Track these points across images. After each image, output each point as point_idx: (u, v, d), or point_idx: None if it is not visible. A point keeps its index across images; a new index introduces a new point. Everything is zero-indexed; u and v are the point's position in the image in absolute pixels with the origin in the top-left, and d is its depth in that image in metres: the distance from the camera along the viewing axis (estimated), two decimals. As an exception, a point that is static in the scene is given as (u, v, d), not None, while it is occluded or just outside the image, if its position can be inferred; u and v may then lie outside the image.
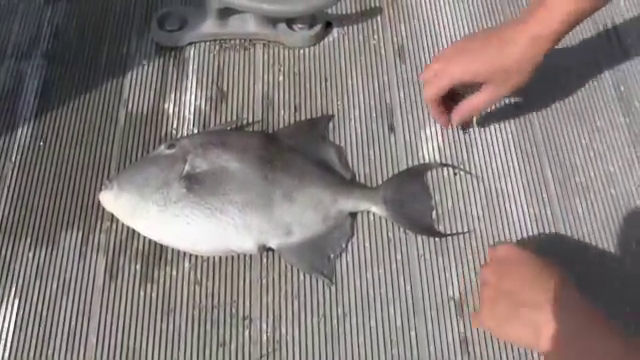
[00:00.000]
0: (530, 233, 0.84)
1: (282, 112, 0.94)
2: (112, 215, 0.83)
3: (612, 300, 0.78)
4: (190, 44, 1.00)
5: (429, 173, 0.88)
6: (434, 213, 0.85)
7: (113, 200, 0.82)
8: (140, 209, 0.80)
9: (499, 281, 0.71)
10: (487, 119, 0.92)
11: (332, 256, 0.82)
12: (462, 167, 0.89)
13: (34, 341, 0.76)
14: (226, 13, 0.98)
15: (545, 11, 0.78)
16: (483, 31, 0.90)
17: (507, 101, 0.94)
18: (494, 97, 0.85)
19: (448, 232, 0.84)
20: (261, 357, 0.76)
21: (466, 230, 0.84)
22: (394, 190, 0.86)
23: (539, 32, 0.79)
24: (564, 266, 0.75)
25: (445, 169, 0.89)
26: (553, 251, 0.82)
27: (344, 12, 1.04)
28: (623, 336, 0.65)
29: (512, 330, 0.69)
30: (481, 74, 0.82)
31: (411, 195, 0.86)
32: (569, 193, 0.87)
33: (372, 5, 1.05)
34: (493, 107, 0.92)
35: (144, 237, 0.82)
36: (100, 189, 0.84)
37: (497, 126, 0.92)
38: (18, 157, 0.89)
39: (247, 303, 0.79)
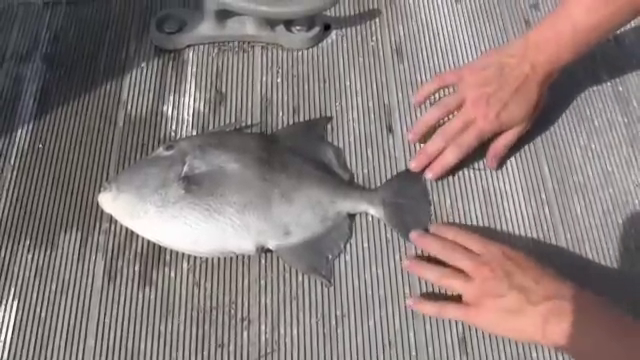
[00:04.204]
0: (528, 232, 0.84)
1: (281, 114, 0.94)
2: (111, 216, 0.83)
3: (610, 299, 0.78)
4: (189, 47, 1.00)
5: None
6: (432, 213, 0.85)
7: (111, 201, 0.82)
8: (138, 210, 0.80)
9: (508, 276, 0.73)
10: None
11: (330, 257, 0.82)
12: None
13: (33, 342, 0.76)
14: (224, 15, 0.99)
15: (554, 44, 0.84)
16: (494, 68, 0.88)
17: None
18: (520, 134, 0.88)
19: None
20: (259, 358, 0.76)
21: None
22: (393, 193, 0.86)
23: (551, 69, 0.85)
24: (561, 265, 0.76)
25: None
26: (550, 250, 0.82)
27: (342, 14, 1.04)
28: (631, 330, 0.69)
29: (518, 323, 0.72)
30: (505, 123, 0.86)
31: (410, 199, 0.86)
32: (567, 192, 0.87)
33: (370, 7, 1.05)
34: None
35: (143, 238, 0.82)
36: (99, 191, 0.84)
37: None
38: (17, 160, 0.89)
39: (245, 304, 0.79)
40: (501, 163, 0.89)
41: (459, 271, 0.77)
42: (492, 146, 0.88)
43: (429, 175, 0.86)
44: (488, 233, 0.83)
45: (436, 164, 0.86)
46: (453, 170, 0.87)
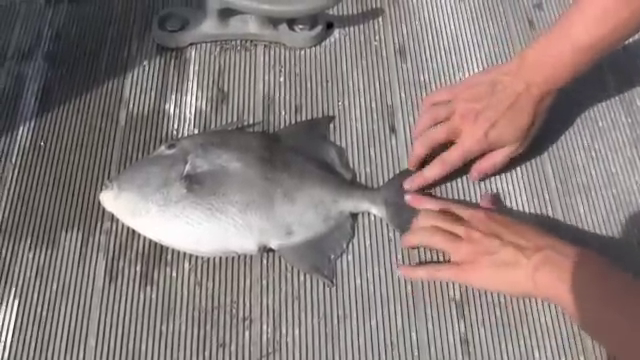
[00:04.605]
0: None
1: (283, 113, 0.94)
2: (112, 216, 0.83)
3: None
4: (191, 45, 1.00)
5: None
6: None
7: (113, 200, 0.81)
8: (140, 209, 0.80)
9: (498, 236, 0.76)
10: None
11: (333, 256, 0.81)
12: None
13: (34, 343, 0.76)
14: (227, 14, 0.98)
15: (552, 64, 0.81)
16: (487, 85, 0.86)
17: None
18: (511, 156, 0.86)
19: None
20: (261, 358, 0.75)
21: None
22: (395, 192, 0.85)
23: (548, 89, 0.82)
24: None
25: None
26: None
27: (345, 13, 1.04)
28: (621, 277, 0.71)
29: (512, 276, 0.74)
30: (494, 143, 0.84)
31: None
32: (570, 193, 0.87)
33: (373, 6, 1.05)
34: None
35: (144, 238, 0.82)
36: (100, 189, 0.84)
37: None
38: (18, 158, 0.89)
39: (247, 304, 0.79)
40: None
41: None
42: (476, 163, 0.86)
43: (407, 186, 0.86)
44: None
45: (418, 176, 0.86)
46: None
